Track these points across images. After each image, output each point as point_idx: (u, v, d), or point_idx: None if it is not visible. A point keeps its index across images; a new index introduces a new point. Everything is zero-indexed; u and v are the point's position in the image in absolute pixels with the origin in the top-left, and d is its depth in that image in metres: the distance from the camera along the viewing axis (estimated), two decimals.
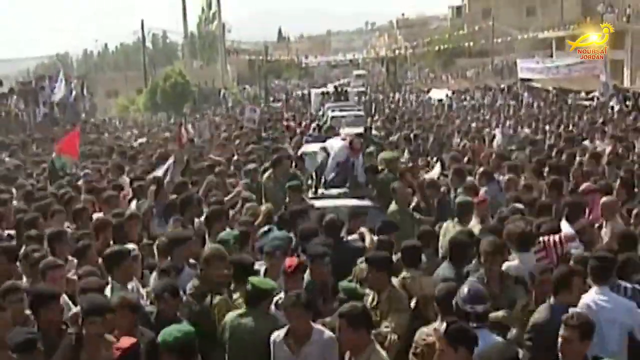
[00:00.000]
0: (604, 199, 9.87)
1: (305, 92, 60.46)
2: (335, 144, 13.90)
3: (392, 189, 11.30)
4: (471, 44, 72.28)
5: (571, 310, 6.09)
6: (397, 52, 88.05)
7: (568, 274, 6.72)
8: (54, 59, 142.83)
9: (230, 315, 6.93)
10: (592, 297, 6.70)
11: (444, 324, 5.77)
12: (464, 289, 6.35)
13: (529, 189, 11.47)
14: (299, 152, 16.92)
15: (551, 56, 55.24)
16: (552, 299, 6.67)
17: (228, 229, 9.27)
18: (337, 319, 6.15)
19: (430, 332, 6.32)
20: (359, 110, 32.72)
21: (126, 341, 5.98)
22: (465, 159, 15.58)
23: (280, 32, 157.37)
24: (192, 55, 73.20)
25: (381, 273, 7.40)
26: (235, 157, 16.31)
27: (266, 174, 13.00)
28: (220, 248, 7.86)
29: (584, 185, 11.11)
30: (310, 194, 12.85)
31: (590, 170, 12.81)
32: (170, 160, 13.39)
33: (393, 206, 11.10)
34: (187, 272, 8.12)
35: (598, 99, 30.36)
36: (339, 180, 13.14)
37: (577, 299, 6.61)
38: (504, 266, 7.82)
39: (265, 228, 9.48)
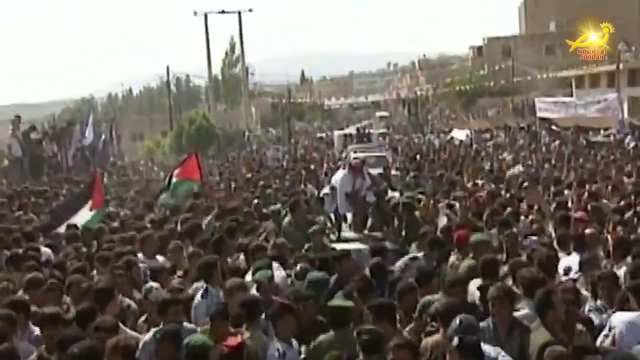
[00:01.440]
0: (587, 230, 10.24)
1: (328, 133, 61.18)
2: (337, 177, 14.45)
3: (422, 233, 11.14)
4: (491, 83, 72.86)
5: None
6: (418, 93, 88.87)
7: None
8: (79, 103, 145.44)
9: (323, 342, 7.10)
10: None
11: (457, 338, 5.94)
12: (456, 320, 6.39)
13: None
14: (321, 194, 17.05)
15: (571, 95, 55.74)
16: None
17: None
18: None
19: (434, 340, 6.79)
20: (380, 151, 33.15)
21: (233, 340, 6.57)
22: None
23: (303, 74, 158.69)
24: (215, 98, 74.30)
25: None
26: (255, 201, 16.00)
27: (286, 219, 12.86)
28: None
29: (579, 214, 11.58)
30: (332, 237, 13.08)
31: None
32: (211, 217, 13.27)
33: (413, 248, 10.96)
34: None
35: (615, 136, 30.71)
36: (354, 209, 13.71)
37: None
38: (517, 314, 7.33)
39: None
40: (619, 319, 6.82)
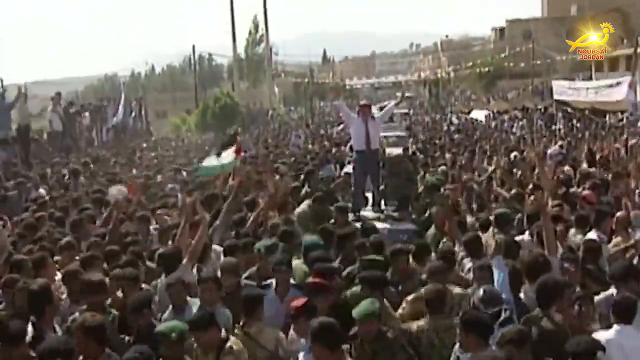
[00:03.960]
0: (618, 213, 10.09)
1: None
2: (349, 120, 14.34)
3: (433, 212, 11.10)
4: (511, 65, 73.36)
5: None
6: (439, 74, 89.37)
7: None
8: (102, 80, 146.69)
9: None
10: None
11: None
12: (480, 290, 6.61)
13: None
14: (342, 173, 17.32)
15: (590, 78, 56.24)
16: None
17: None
18: None
19: (420, 325, 6.79)
20: (402, 131, 33.55)
21: (300, 301, 6.73)
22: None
23: (325, 54, 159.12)
24: (239, 76, 75.27)
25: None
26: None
27: (304, 206, 12.30)
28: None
29: (586, 193, 11.92)
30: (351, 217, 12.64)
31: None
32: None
33: (432, 230, 10.84)
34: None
35: (628, 118, 31.36)
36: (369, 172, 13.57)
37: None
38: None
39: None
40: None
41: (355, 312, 6.26)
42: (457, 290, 7.59)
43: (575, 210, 11.24)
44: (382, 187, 13.99)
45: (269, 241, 8.98)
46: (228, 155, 14.13)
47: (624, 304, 6.37)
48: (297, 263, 8.58)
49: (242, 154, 15.95)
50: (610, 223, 9.88)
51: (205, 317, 6.52)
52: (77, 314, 7.16)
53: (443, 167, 17.34)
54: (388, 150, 18.51)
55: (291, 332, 6.98)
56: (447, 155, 21.11)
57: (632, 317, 6.30)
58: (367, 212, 13.48)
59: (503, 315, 6.29)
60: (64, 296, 8.02)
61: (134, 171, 19.97)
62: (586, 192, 12.12)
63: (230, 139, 15.77)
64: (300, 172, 16.18)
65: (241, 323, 6.99)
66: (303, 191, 13.78)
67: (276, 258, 8.17)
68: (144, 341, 6.35)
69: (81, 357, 6.03)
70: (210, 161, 14.45)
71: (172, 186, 16.34)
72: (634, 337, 5.99)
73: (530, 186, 12.48)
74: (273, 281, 8.03)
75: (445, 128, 41.16)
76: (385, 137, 28.49)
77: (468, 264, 8.66)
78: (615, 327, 6.27)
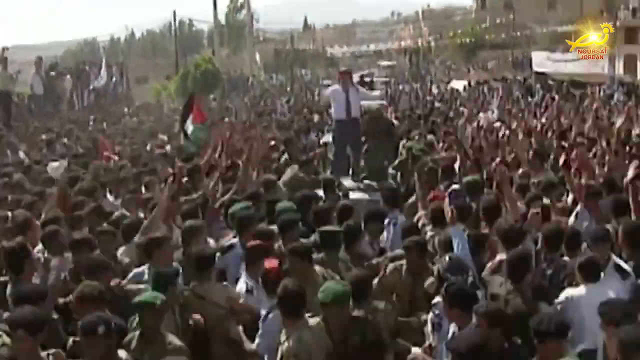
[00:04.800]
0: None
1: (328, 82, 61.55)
2: (328, 92, 14.17)
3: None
4: (492, 36, 73.61)
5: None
6: (420, 43, 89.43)
7: None
8: (81, 45, 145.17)
9: None
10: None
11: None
12: (445, 257, 6.64)
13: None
14: (321, 142, 17.27)
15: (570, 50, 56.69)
16: None
17: None
18: None
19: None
20: (382, 99, 33.56)
21: (273, 262, 6.80)
22: None
23: (306, 21, 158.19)
24: (220, 43, 74.92)
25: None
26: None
27: (292, 171, 11.99)
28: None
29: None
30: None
31: None
32: None
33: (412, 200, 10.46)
34: None
35: (604, 91, 31.79)
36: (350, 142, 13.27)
37: None
38: None
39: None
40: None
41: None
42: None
43: None
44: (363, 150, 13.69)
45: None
46: (191, 125, 14.11)
47: (590, 265, 6.73)
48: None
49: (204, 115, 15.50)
50: None
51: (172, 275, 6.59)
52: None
53: (431, 137, 16.93)
54: (367, 103, 17.30)
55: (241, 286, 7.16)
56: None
57: (597, 277, 6.68)
58: (347, 182, 13.10)
59: (469, 282, 6.30)
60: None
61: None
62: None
63: (185, 106, 15.45)
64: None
65: (191, 284, 6.96)
66: (282, 159, 13.61)
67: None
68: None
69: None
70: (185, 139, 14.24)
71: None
72: (599, 295, 6.23)
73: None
74: (236, 240, 8.13)
75: (427, 97, 41.17)
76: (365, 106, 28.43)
77: (430, 232, 8.58)
78: (582, 286, 6.65)
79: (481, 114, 21.84)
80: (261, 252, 7.25)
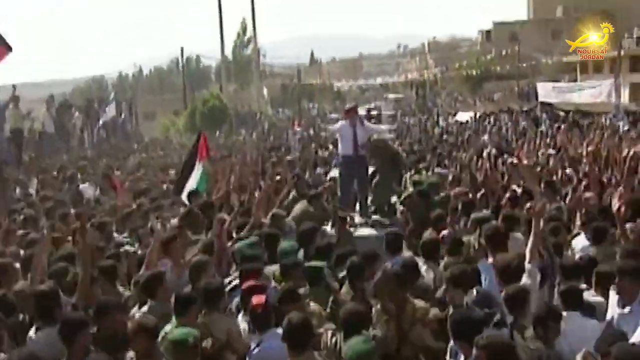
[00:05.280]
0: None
1: (335, 115, 61.64)
2: (336, 127, 14.20)
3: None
4: (498, 68, 73.89)
5: None
6: (426, 75, 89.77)
7: None
8: (90, 82, 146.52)
9: None
10: None
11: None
12: (473, 292, 6.83)
13: None
14: (328, 177, 17.29)
15: (575, 80, 56.88)
16: None
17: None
18: None
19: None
20: (389, 132, 33.40)
21: (260, 298, 6.76)
22: None
23: (312, 55, 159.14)
24: (227, 78, 75.44)
25: None
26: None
27: (302, 206, 12.16)
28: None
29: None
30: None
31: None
32: None
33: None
34: None
35: (610, 120, 31.80)
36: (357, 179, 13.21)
37: None
38: None
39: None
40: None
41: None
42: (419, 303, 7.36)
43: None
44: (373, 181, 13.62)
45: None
46: (198, 166, 13.96)
47: (571, 293, 6.91)
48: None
49: (210, 153, 15.59)
50: None
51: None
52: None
53: (439, 169, 17.07)
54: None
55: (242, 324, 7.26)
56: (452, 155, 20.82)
57: (579, 304, 6.85)
58: (355, 219, 13.14)
59: (496, 317, 6.34)
60: None
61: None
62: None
63: (194, 145, 15.17)
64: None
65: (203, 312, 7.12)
66: (290, 196, 13.54)
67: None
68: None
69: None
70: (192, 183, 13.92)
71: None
72: (579, 323, 6.45)
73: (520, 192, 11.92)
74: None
75: (436, 130, 41.21)
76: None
77: (423, 266, 8.59)
78: (564, 313, 6.66)
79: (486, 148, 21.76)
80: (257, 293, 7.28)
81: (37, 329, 6.76)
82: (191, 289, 7.71)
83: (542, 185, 12.00)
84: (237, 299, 7.69)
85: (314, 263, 8.27)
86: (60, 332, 6.20)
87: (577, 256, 8.74)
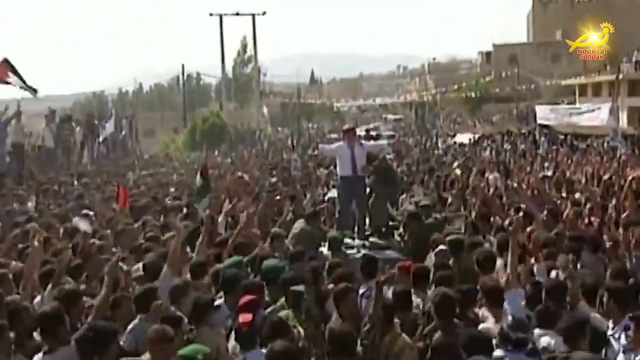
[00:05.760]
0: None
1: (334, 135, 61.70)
2: (333, 150, 14.16)
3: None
4: (497, 90, 74.17)
5: None
6: (426, 97, 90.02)
7: None
8: (90, 97, 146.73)
9: None
10: None
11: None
12: (509, 317, 6.77)
13: None
14: (326, 197, 17.20)
15: (574, 103, 57.08)
16: None
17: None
18: None
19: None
20: (389, 153, 33.35)
21: (247, 316, 6.79)
22: None
23: (312, 75, 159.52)
24: (227, 97, 75.59)
25: None
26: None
27: (300, 225, 12.11)
28: None
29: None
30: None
31: None
32: None
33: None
34: None
35: (608, 143, 31.85)
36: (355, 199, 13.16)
37: None
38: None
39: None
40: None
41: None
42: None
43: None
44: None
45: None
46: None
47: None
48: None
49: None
50: None
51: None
52: None
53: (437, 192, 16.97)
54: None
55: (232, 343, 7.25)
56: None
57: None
58: (352, 240, 13.02)
59: (530, 345, 6.28)
60: None
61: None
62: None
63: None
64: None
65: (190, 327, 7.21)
66: (289, 217, 13.46)
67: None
68: None
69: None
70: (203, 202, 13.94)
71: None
72: None
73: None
74: (221, 301, 8.23)
75: (435, 151, 41.24)
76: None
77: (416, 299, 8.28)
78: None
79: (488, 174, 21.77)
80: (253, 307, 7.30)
81: (44, 353, 6.59)
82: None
83: (545, 213, 11.84)
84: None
85: (296, 287, 8.08)
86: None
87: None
